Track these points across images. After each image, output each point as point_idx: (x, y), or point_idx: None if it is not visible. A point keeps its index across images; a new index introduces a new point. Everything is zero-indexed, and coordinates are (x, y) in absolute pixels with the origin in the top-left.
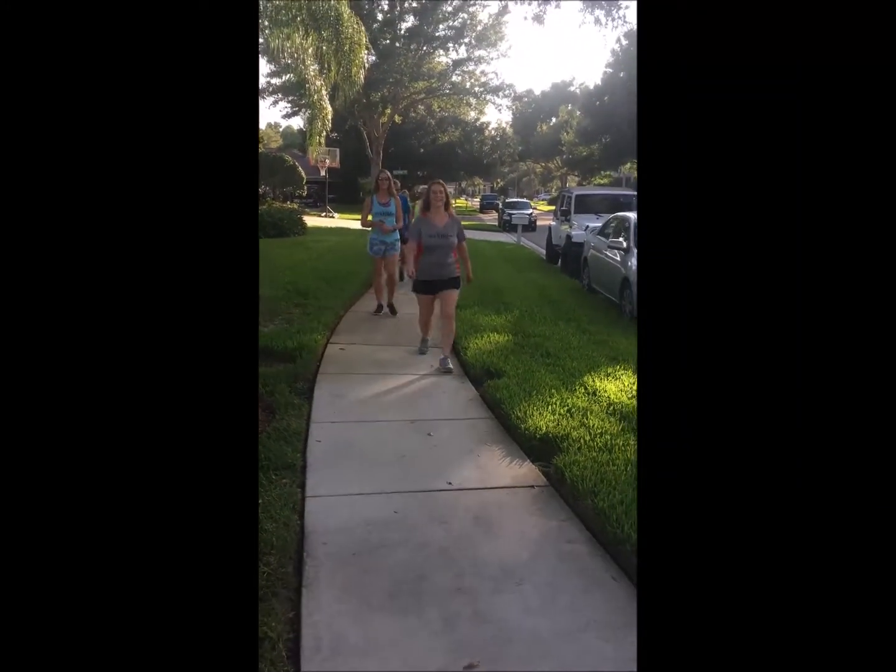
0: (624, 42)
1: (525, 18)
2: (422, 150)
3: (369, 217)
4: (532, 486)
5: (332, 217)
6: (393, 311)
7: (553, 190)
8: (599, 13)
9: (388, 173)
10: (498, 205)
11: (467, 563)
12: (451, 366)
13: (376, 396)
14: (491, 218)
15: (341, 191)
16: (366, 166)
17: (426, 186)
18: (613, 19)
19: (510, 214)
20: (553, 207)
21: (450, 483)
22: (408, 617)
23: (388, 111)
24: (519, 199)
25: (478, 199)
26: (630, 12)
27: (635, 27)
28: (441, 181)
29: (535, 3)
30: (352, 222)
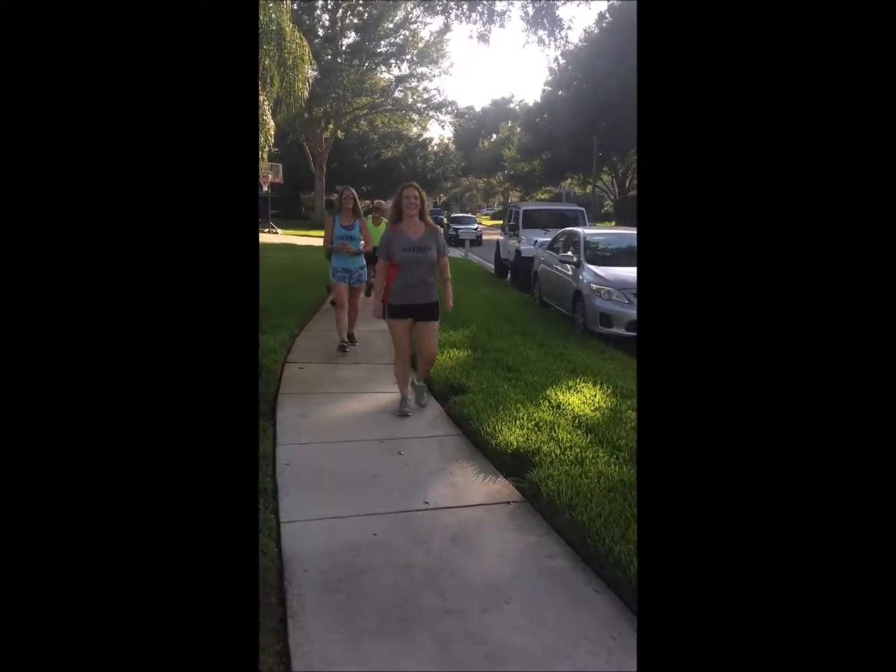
0: (562, 61)
1: (470, 37)
2: (365, 166)
3: (331, 243)
4: (508, 503)
5: (276, 233)
6: (352, 340)
7: (496, 205)
8: (542, 33)
9: (353, 191)
10: (442, 220)
11: (453, 584)
12: (425, 402)
13: (341, 416)
14: None
15: (284, 206)
16: (309, 182)
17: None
18: (556, 39)
19: (456, 229)
20: (496, 222)
21: (426, 503)
22: (399, 641)
23: (331, 126)
24: (464, 214)
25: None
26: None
27: (573, 47)
28: (415, 184)
29: (480, 22)
30: (296, 238)
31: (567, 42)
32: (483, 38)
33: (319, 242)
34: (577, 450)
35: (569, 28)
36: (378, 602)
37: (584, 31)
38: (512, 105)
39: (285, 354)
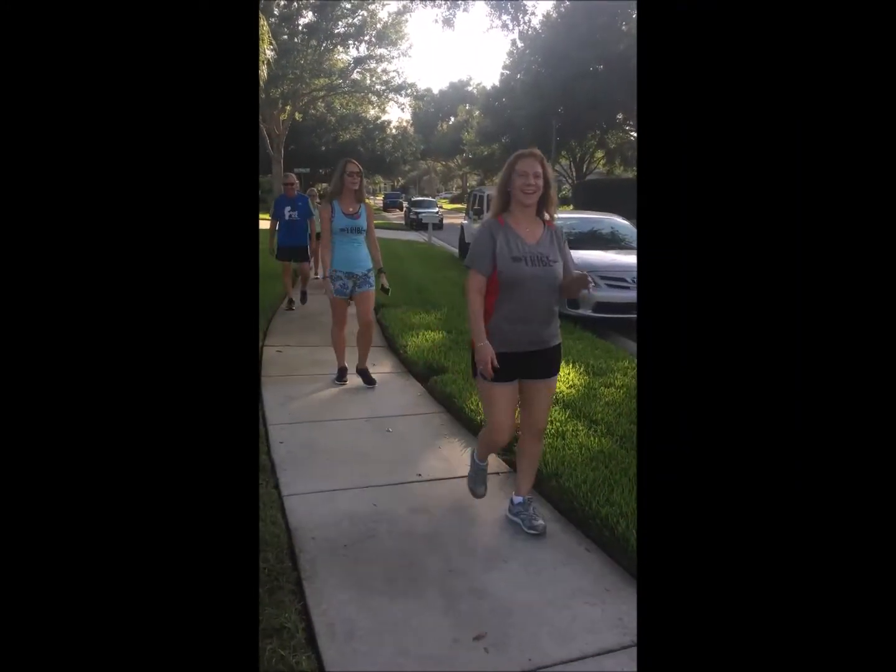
0: (520, 45)
1: (435, 21)
2: (323, 148)
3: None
4: (497, 473)
5: None
6: (367, 379)
7: (454, 188)
8: (506, 18)
9: (357, 164)
10: (402, 203)
11: (453, 547)
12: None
13: (325, 397)
14: (396, 217)
15: None
16: (266, 164)
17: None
18: (520, 24)
19: (417, 213)
20: (455, 206)
21: (420, 475)
22: (410, 599)
23: (289, 108)
24: (425, 198)
25: (380, 198)
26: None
27: (528, 30)
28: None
29: (444, 6)
30: (262, 221)
31: (530, 27)
32: (448, 22)
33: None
34: (558, 424)
35: (532, 14)
36: (385, 565)
37: (543, 15)
38: (470, 88)
39: (262, 338)
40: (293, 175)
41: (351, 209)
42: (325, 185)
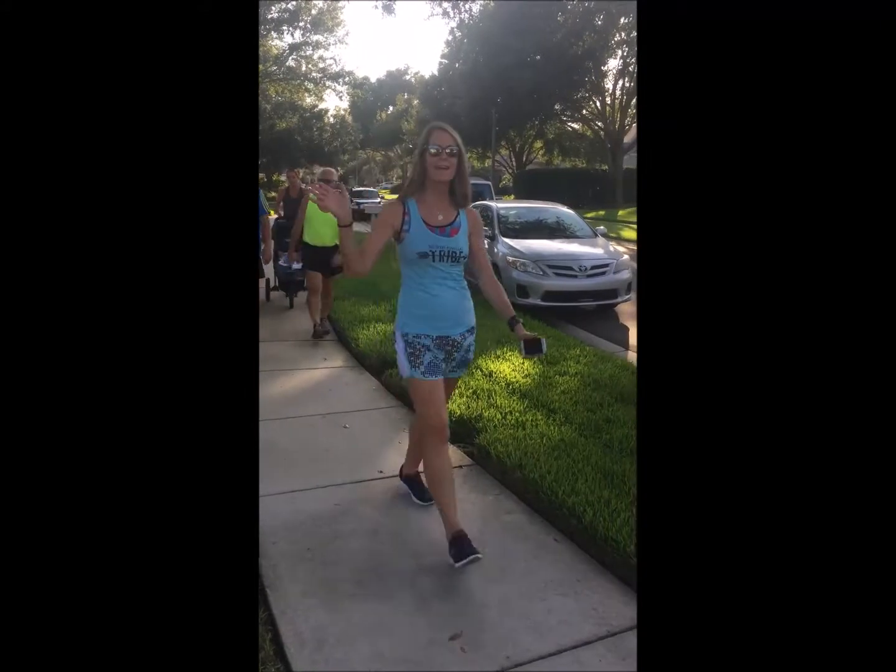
0: (458, 34)
1: (375, 8)
2: (259, 137)
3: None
4: (460, 466)
5: None
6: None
7: (394, 178)
8: (447, 5)
9: (453, 135)
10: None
11: (422, 544)
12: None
13: (278, 393)
14: None
15: None
16: None
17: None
18: (461, 12)
19: (359, 203)
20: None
21: (381, 472)
22: (380, 600)
23: None
24: (366, 188)
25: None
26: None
27: (468, 19)
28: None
29: None
30: None
31: (472, 15)
32: (388, 9)
33: None
34: (517, 414)
35: (472, 2)
36: (352, 566)
37: (480, 4)
38: (408, 77)
39: None
40: None
41: (441, 217)
42: (261, 175)
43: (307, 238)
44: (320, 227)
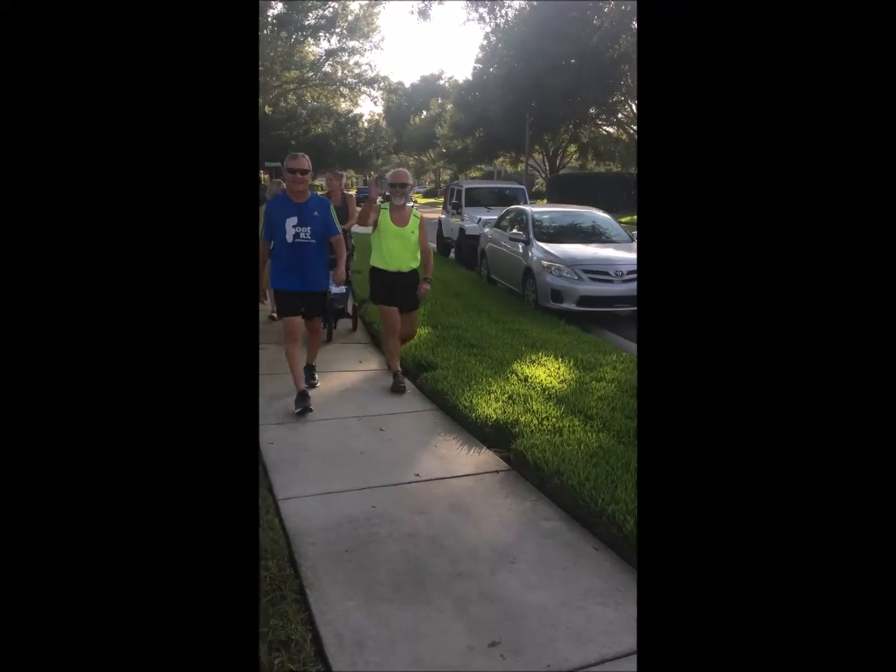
0: (493, 38)
1: (411, 13)
2: (293, 142)
3: None
4: (496, 472)
5: None
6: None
7: (427, 183)
8: (483, 10)
9: None
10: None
11: (459, 549)
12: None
13: (314, 395)
14: None
15: None
16: None
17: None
18: (497, 17)
19: None
20: (429, 200)
21: (417, 475)
22: (418, 605)
23: (259, 101)
24: None
25: (353, 192)
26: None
27: (504, 23)
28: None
29: None
30: None
31: (507, 19)
32: (423, 13)
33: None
34: (553, 420)
35: (509, 6)
36: (389, 569)
37: (516, 9)
38: (442, 82)
39: None
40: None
41: None
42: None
43: (377, 262)
44: (395, 247)
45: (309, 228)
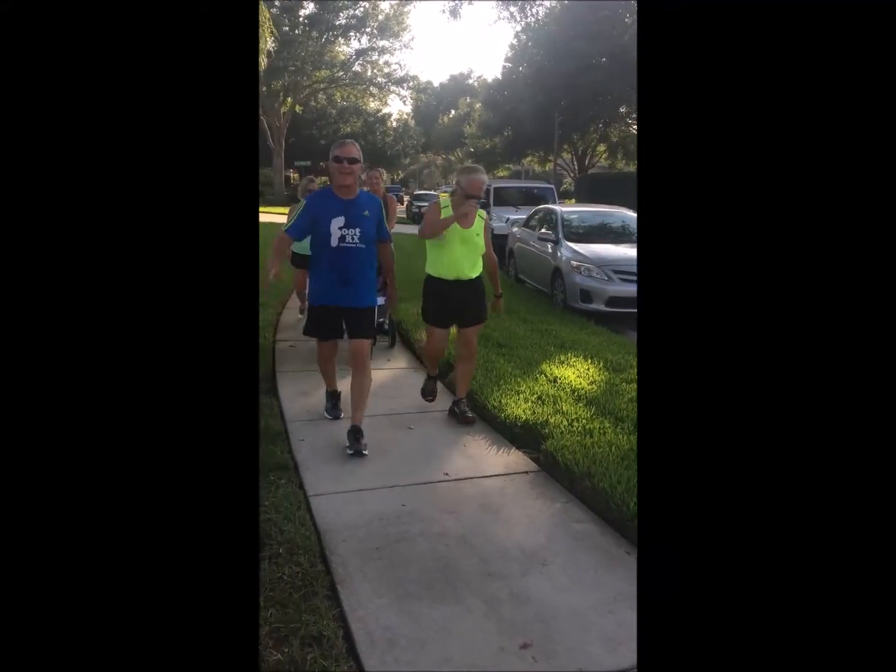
0: (522, 37)
1: (442, 12)
2: (323, 142)
3: None
4: (526, 472)
5: None
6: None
7: (454, 182)
8: (514, 9)
9: None
10: (403, 196)
11: (490, 549)
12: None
13: (344, 394)
14: (398, 210)
15: None
16: (266, 157)
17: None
18: (527, 16)
19: (420, 207)
20: None
21: (447, 474)
22: (449, 604)
23: (289, 100)
24: (426, 192)
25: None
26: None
27: (534, 22)
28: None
29: None
30: (262, 214)
31: (538, 18)
32: (454, 13)
33: (281, 219)
34: (584, 421)
35: (539, 4)
36: (420, 568)
37: (546, 8)
38: (471, 81)
39: (273, 332)
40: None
41: None
42: (325, 178)
43: (435, 269)
44: (457, 252)
45: (358, 231)
